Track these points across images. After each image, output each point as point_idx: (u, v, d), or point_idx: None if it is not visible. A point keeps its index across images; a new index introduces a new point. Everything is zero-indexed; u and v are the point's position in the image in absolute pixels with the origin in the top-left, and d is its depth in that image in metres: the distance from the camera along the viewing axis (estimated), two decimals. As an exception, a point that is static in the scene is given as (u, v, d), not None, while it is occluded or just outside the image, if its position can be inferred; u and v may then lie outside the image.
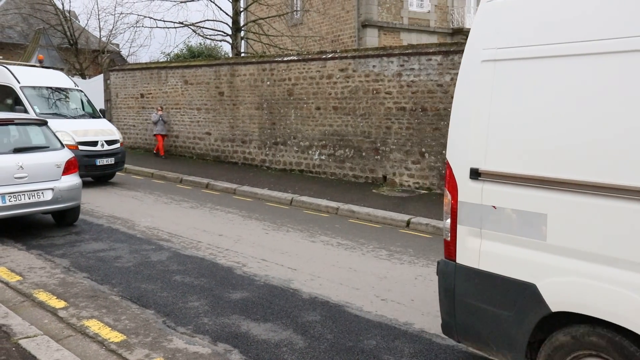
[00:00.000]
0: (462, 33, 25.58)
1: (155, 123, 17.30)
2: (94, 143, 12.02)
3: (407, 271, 6.61)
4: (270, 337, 4.55)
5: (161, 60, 23.91)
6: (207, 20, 22.39)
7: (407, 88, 12.24)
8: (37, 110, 11.57)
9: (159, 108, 17.52)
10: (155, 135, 17.49)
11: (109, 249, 7.10)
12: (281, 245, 7.58)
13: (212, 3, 20.17)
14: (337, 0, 24.92)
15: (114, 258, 6.71)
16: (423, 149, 12.01)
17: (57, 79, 13.16)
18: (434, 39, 24.58)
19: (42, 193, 7.50)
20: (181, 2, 20.61)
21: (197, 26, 20.59)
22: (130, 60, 27.07)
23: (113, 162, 12.37)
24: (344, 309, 5.28)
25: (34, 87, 12.18)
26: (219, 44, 29.98)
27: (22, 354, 3.95)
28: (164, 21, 20.60)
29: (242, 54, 21.67)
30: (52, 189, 7.58)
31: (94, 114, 13.22)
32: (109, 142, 12.36)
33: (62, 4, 25.29)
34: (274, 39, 21.95)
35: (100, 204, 10.17)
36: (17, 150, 7.53)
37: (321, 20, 25.51)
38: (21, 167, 7.30)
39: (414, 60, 12.11)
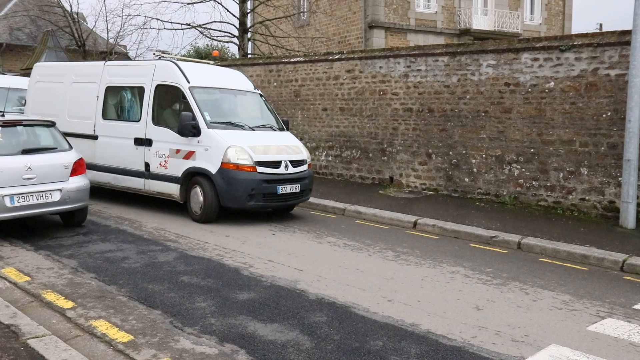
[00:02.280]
0: (469, 34, 25.51)
1: None
2: (277, 164, 9.05)
3: (413, 272, 6.60)
4: (277, 338, 4.55)
5: (168, 62, 23.89)
6: (214, 21, 22.40)
7: (414, 89, 12.21)
8: (208, 119, 9.04)
9: None
10: None
11: (116, 250, 7.13)
12: (288, 246, 7.58)
13: (219, 5, 20.22)
14: (343, 1, 24.92)
15: (122, 259, 6.73)
16: (430, 150, 11.98)
17: (235, 79, 10.55)
18: (440, 40, 24.51)
19: (50, 194, 7.54)
20: (188, 3, 20.69)
21: (205, 27, 20.65)
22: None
23: (298, 190, 9.31)
24: (351, 309, 5.27)
25: (205, 89, 9.53)
26: (226, 45, 30.04)
27: (31, 354, 3.97)
28: (171, 23, 20.62)
29: (249, 55, 21.70)
30: (60, 190, 7.62)
31: (276, 125, 10.27)
32: (295, 163, 9.35)
33: (70, 6, 25.43)
34: (280, 40, 21.98)
35: (107, 204, 10.21)
36: (26, 152, 7.57)
37: (328, 21, 25.52)
38: (29, 168, 7.35)
39: (421, 61, 12.09)
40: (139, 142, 9.64)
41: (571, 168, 9.93)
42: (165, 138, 9.30)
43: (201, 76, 9.69)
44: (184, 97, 9.22)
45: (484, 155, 11.13)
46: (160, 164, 9.36)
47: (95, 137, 10.36)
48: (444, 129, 11.74)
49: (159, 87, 9.58)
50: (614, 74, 9.40)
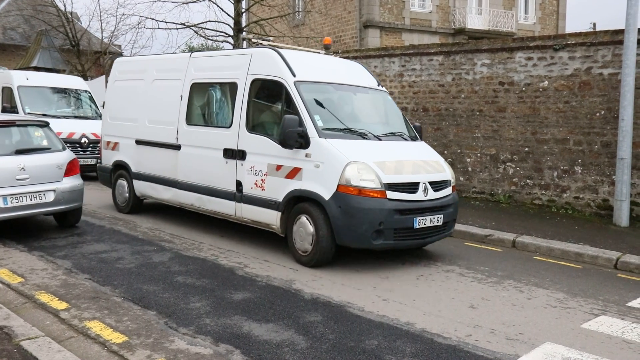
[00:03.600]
0: (463, 33, 25.56)
1: None
2: (413, 187, 6.61)
3: (408, 271, 6.61)
4: (272, 338, 4.54)
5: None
6: (209, 21, 22.30)
7: (409, 88, 12.23)
8: (320, 124, 6.73)
9: None
10: None
11: (110, 250, 7.11)
12: (283, 246, 7.57)
13: (214, 4, 20.13)
14: (338, 1, 24.92)
15: (116, 259, 6.71)
16: (425, 149, 12.01)
17: (353, 72, 8.18)
18: (435, 40, 24.54)
19: (44, 194, 7.51)
20: (183, 3, 20.63)
21: (199, 27, 20.58)
22: (132, 61, 27.04)
23: (441, 223, 6.88)
24: (346, 309, 5.27)
25: (316, 84, 7.22)
26: (221, 45, 29.98)
27: (24, 356, 3.95)
28: (165, 22, 20.55)
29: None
30: (54, 191, 7.59)
31: (407, 133, 7.71)
32: (436, 186, 6.87)
33: (64, 6, 25.31)
34: (275, 39, 21.93)
35: (102, 205, 10.17)
36: (19, 152, 7.53)
37: (323, 21, 25.51)
38: (23, 168, 7.31)
39: (416, 61, 12.11)
40: (230, 154, 7.49)
41: (565, 167, 9.96)
42: (263, 149, 7.10)
43: (310, 68, 7.41)
44: (288, 95, 6.94)
45: (478, 154, 11.15)
46: (255, 184, 7.17)
47: (177, 147, 8.33)
48: (438, 128, 11.75)
49: (256, 82, 7.41)
50: (607, 73, 9.43)
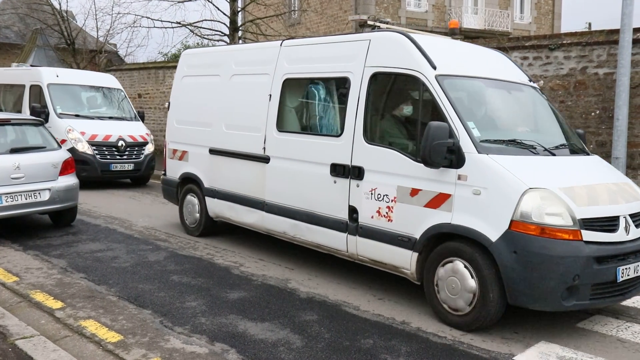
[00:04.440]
0: (459, 33, 25.58)
1: None
2: (612, 223, 4.80)
3: (404, 270, 6.61)
4: (268, 337, 4.54)
5: (159, 60, 23.90)
6: (205, 20, 22.25)
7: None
8: (477, 135, 5.00)
9: None
10: None
11: (106, 249, 7.09)
12: (279, 245, 7.57)
13: (209, 3, 20.08)
14: (334, 0, 24.92)
15: (111, 258, 6.70)
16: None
17: (502, 64, 6.30)
18: (431, 39, 24.53)
19: (39, 193, 7.49)
20: (179, 2, 20.57)
21: (195, 26, 20.53)
22: (128, 60, 26.99)
23: None
24: (341, 308, 5.28)
25: (465, 80, 5.53)
26: (217, 43, 29.96)
27: (19, 355, 3.94)
28: (161, 21, 20.48)
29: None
30: (49, 189, 7.57)
31: (576, 143, 5.88)
32: (637, 219, 5.02)
33: (59, 4, 25.19)
34: (271, 38, 21.91)
35: (97, 204, 10.15)
36: (14, 151, 7.51)
37: (319, 20, 25.51)
38: (18, 167, 7.29)
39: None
40: (340, 170, 5.82)
41: (560, 166, 9.99)
42: (390, 167, 5.41)
43: (452, 58, 5.68)
44: (427, 93, 5.19)
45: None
46: (378, 212, 5.48)
47: (265, 159, 6.68)
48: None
49: (378, 77, 5.65)
50: (603, 73, 9.47)
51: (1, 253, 6.82)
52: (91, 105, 13.24)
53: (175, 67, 17.61)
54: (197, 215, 7.87)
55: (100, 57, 24.31)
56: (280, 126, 6.62)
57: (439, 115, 5.05)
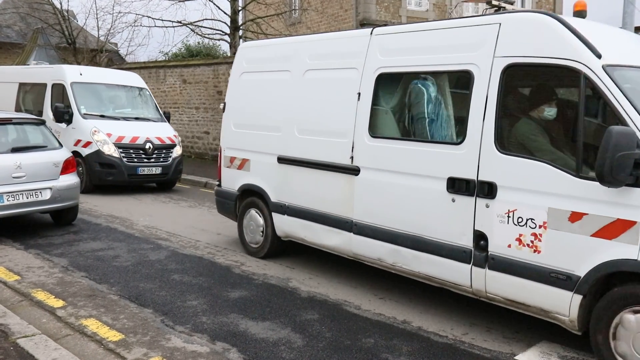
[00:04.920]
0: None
1: None
2: None
3: (405, 270, 6.61)
4: (269, 336, 4.55)
5: (159, 60, 23.91)
6: (206, 19, 22.30)
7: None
8: None
9: None
10: None
11: (107, 248, 7.10)
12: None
13: (210, 2, 20.10)
14: (335, -1, 24.90)
15: (113, 257, 6.70)
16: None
17: None
18: (432, 38, 24.52)
19: (40, 192, 7.49)
20: (179, 1, 20.58)
21: (196, 25, 20.54)
22: (129, 59, 27.00)
23: None
24: (342, 307, 5.28)
25: (635, 70, 4.38)
26: (217, 43, 29.94)
27: (20, 353, 3.95)
28: (162, 20, 20.51)
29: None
30: (50, 189, 7.57)
31: None
32: None
33: (60, 3, 25.22)
34: (272, 38, 21.92)
35: (98, 203, 10.16)
36: (15, 150, 7.52)
37: (319, 19, 25.50)
38: (19, 166, 7.29)
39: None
40: (460, 186, 4.77)
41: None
42: (537, 183, 4.35)
43: (615, 44, 4.69)
44: (592, 89, 4.17)
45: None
46: (519, 240, 4.45)
47: (353, 171, 5.61)
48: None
49: (514, 69, 4.61)
50: (604, 72, 9.44)
51: (2, 252, 6.82)
52: (116, 105, 12.57)
53: (176, 66, 17.59)
54: (262, 234, 6.80)
55: (101, 57, 24.32)
56: (374, 131, 5.48)
57: (613, 117, 3.99)
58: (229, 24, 19.95)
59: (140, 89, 13.03)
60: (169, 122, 12.79)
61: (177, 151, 11.93)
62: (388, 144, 5.38)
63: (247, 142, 6.98)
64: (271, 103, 6.68)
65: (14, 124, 7.99)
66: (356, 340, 4.52)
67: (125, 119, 12.01)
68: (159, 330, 4.60)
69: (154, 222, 8.76)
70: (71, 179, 7.93)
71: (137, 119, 12.19)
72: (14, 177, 7.24)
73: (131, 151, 11.22)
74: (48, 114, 11.73)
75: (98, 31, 25.21)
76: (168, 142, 11.79)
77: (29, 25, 27.66)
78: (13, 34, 28.72)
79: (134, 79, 13.23)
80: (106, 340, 4.38)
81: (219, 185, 7.49)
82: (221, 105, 7.50)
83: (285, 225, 6.48)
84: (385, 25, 6.37)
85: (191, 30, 20.71)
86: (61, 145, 8.24)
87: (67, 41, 24.49)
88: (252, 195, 6.93)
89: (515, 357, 4.33)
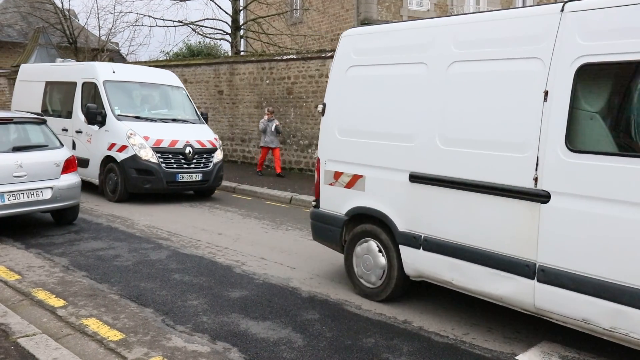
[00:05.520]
0: (461, 31, 25.54)
1: (264, 132, 13.68)
2: None
3: (406, 270, 6.61)
4: (269, 336, 4.54)
5: (160, 59, 23.93)
6: (207, 19, 22.32)
7: (407, 87, 12.20)
8: None
9: (268, 112, 13.88)
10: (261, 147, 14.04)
11: (108, 248, 7.10)
12: (280, 244, 7.57)
13: (211, 2, 20.18)
14: (336, -2, 24.89)
15: (113, 257, 6.70)
16: (422, 148, 11.96)
17: None
18: (433, 38, 24.51)
19: (41, 192, 7.49)
20: (181, 0, 20.60)
21: (197, 25, 20.58)
22: (130, 59, 27.03)
23: None
24: (343, 307, 5.28)
25: None
26: (219, 42, 29.97)
27: (21, 353, 3.95)
28: (163, 20, 20.61)
29: (242, 53, 21.65)
30: (51, 188, 7.57)
31: None
32: None
33: (62, 3, 25.33)
34: (273, 37, 21.95)
35: (99, 202, 10.16)
36: (16, 149, 7.52)
37: (321, 19, 25.49)
38: (20, 165, 7.29)
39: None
40: None
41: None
42: None
43: None
44: None
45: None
46: None
47: (538, 197, 4.26)
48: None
49: None
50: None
51: (3, 251, 6.83)
52: (152, 105, 11.66)
53: (177, 66, 17.53)
54: (382, 271, 5.40)
55: (102, 56, 24.33)
56: (574, 143, 4.10)
57: None
58: (230, 24, 19.98)
59: (177, 87, 12.15)
60: (207, 123, 11.98)
61: (218, 156, 11.01)
62: (601, 162, 3.92)
63: (361, 153, 5.54)
64: (397, 104, 5.26)
65: (15, 123, 7.99)
66: (357, 340, 4.52)
67: (162, 120, 11.06)
68: (159, 330, 4.60)
69: (154, 221, 8.76)
70: (72, 179, 7.93)
71: (174, 120, 11.28)
72: (14, 177, 7.24)
73: (170, 156, 10.30)
74: (78, 115, 11.20)
75: (99, 30, 25.25)
76: (209, 145, 10.87)
77: (30, 25, 27.70)
78: (14, 33, 28.75)
79: (169, 77, 12.29)
80: (107, 340, 4.38)
81: (316, 206, 6.08)
82: (319, 107, 6.12)
83: (420, 262, 5.05)
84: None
85: (192, 29, 20.77)
86: (62, 144, 8.24)
87: (68, 41, 24.52)
88: (367, 222, 5.53)
89: (516, 357, 4.32)
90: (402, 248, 5.17)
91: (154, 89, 11.79)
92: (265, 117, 13.66)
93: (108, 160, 10.48)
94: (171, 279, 5.92)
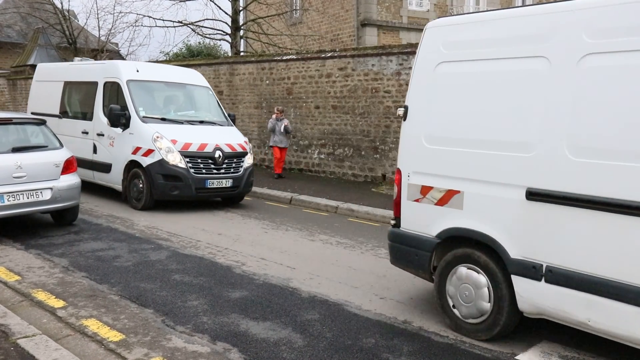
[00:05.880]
0: (461, 32, 25.53)
1: (272, 131, 13.50)
2: None
3: (406, 270, 6.61)
4: (269, 336, 4.54)
5: (160, 60, 23.92)
6: (207, 19, 22.40)
7: (406, 87, 12.23)
8: None
9: (278, 111, 13.66)
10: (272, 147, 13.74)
11: (108, 249, 7.10)
12: (280, 244, 7.58)
13: (211, 2, 20.18)
14: (336, -1, 24.90)
15: (113, 257, 6.70)
16: (422, 148, 11.97)
17: None
18: (433, 38, 24.50)
19: (41, 192, 7.49)
20: (180, 1, 20.61)
21: (197, 25, 20.59)
22: (130, 59, 27.05)
23: None
24: (343, 307, 5.28)
25: None
26: (218, 43, 29.99)
27: (21, 354, 3.95)
28: (163, 20, 20.60)
29: (242, 53, 21.65)
30: (51, 189, 7.57)
31: None
32: None
33: (61, 3, 25.36)
34: (273, 38, 21.95)
35: (99, 203, 10.16)
36: (16, 150, 7.52)
37: (320, 19, 25.49)
38: (20, 166, 7.29)
39: (413, 59, 12.11)
40: None
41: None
42: None
43: None
44: None
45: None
46: None
47: None
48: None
49: None
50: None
51: (3, 252, 6.82)
52: (178, 106, 10.99)
53: (177, 66, 17.56)
54: (488, 305, 4.57)
55: (102, 57, 24.34)
56: None
57: None
58: (229, 24, 19.98)
59: (203, 87, 11.44)
60: (234, 125, 11.33)
61: (248, 160, 10.33)
62: None
63: (457, 165, 4.72)
64: (505, 107, 4.44)
65: (15, 124, 7.99)
66: (357, 340, 4.52)
67: (189, 122, 10.40)
68: (159, 331, 4.60)
69: (154, 222, 8.76)
70: (72, 179, 7.93)
71: (201, 122, 10.60)
72: (14, 177, 7.24)
73: (199, 161, 9.62)
74: (100, 117, 10.56)
75: (99, 31, 25.28)
76: (239, 149, 10.17)
77: (29, 25, 27.72)
78: (14, 33, 28.77)
79: (195, 76, 11.58)
80: (107, 341, 4.38)
81: (396, 225, 5.23)
82: (399, 111, 5.33)
83: (541, 297, 4.22)
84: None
85: (192, 30, 20.78)
86: (62, 145, 8.24)
87: (67, 41, 24.54)
88: (466, 246, 4.72)
89: (516, 357, 4.32)
90: (515, 279, 4.32)
91: (179, 89, 11.14)
92: (274, 116, 13.47)
93: (132, 165, 9.82)
94: (171, 280, 5.92)
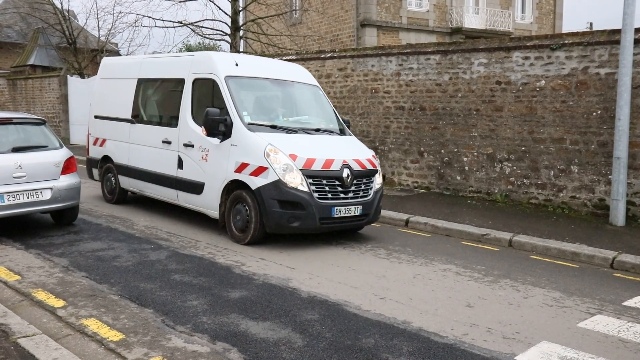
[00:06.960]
0: (460, 32, 25.59)
1: None
2: None
3: (405, 270, 6.62)
4: (269, 336, 4.55)
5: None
6: (206, 19, 22.34)
7: (406, 87, 12.23)
8: None
9: None
10: None
11: (107, 248, 7.10)
12: (279, 244, 7.58)
13: (211, 2, 20.12)
14: (336, -1, 24.91)
15: (113, 257, 6.71)
16: (422, 148, 12.01)
17: None
18: (432, 39, 24.57)
19: (41, 192, 7.49)
20: (180, 1, 20.58)
21: (196, 25, 20.54)
22: (129, 59, 27.03)
23: None
24: (343, 307, 5.28)
25: None
26: (218, 43, 30.01)
27: (21, 353, 3.95)
28: (162, 20, 20.51)
29: (241, 54, 21.61)
30: (51, 189, 7.57)
31: None
32: None
33: (61, 3, 25.35)
34: (273, 38, 21.93)
35: (99, 203, 10.16)
36: (16, 150, 7.52)
37: (320, 19, 25.50)
38: (20, 166, 7.30)
39: (413, 60, 12.11)
40: None
41: (562, 166, 9.99)
42: None
43: None
44: None
45: (475, 154, 11.17)
46: None
47: None
48: (435, 127, 11.76)
49: None
50: (604, 73, 9.45)
51: (3, 252, 6.83)
52: (287, 110, 8.75)
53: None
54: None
55: (102, 57, 24.34)
56: None
57: None
58: (229, 25, 19.96)
59: (313, 86, 9.22)
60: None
61: (377, 180, 8.09)
62: None
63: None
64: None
65: (15, 123, 7.99)
66: (356, 341, 4.52)
67: (305, 131, 8.12)
68: (159, 330, 4.61)
69: (154, 222, 8.76)
70: (72, 179, 7.93)
71: (317, 130, 8.33)
72: (14, 177, 7.24)
73: (324, 182, 7.37)
74: (188, 123, 8.37)
75: (99, 31, 25.25)
76: (369, 166, 7.93)
77: (29, 25, 27.71)
78: (13, 33, 28.75)
79: (302, 72, 9.31)
80: (107, 340, 4.38)
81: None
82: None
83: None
84: None
85: (192, 30, 20.72)
86: (62, 145, 8.24)
87: (67, 41, 24.51)
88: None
89: (516, 358, 4.33)
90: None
91: (287, 88, 8.83)
92: None
93: (234, 185, 7.62)
94: (171, 280, 5.92)
